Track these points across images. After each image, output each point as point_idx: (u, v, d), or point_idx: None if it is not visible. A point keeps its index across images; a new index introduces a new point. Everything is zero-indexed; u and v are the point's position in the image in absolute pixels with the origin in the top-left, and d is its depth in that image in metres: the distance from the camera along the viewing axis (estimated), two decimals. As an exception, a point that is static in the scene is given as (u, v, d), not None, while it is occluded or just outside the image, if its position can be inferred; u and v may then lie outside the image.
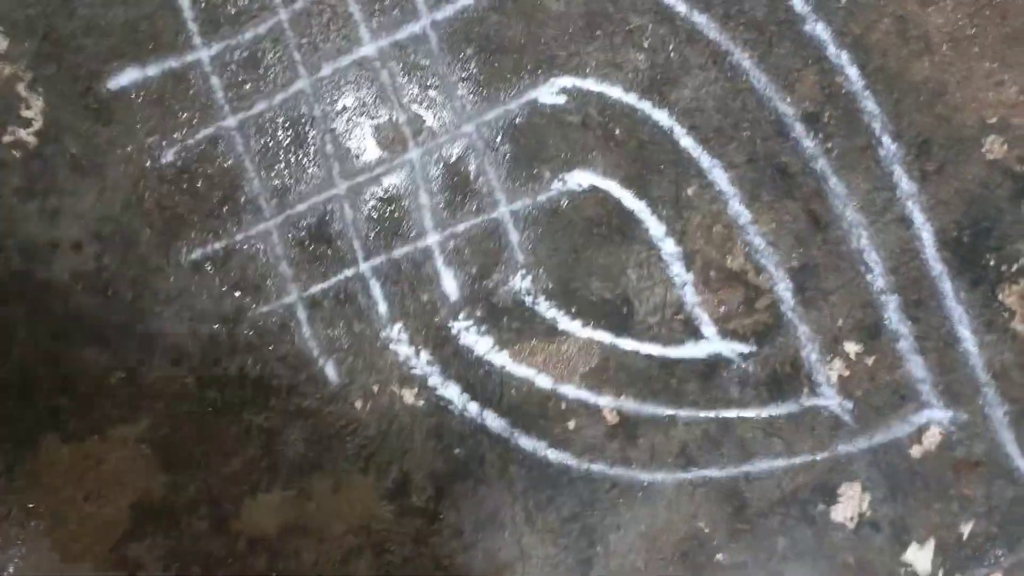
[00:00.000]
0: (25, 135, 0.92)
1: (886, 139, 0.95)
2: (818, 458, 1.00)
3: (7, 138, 0.92)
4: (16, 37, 0.91)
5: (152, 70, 0.93)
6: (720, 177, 0.98)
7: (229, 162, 0.95)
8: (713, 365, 1.01)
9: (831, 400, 1.00)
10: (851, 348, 0.99)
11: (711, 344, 1.00)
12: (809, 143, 0.98)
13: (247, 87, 0.94)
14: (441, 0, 0.95)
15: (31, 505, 0.96)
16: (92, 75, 0.92)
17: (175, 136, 0.94)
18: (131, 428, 0.97)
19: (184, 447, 0.97)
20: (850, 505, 0.97)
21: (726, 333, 1.00)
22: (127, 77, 0.93)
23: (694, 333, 1.00)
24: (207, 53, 0.93)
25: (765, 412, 1.01)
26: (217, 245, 0.95)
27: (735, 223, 0.99)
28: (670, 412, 1.00)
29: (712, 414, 1.01)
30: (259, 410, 0.97)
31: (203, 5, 0.92)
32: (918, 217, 0.95)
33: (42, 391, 0.96)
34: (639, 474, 1.00)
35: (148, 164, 0.94)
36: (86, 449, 0.97)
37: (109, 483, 0.97)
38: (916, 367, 0.96)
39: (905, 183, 0.95)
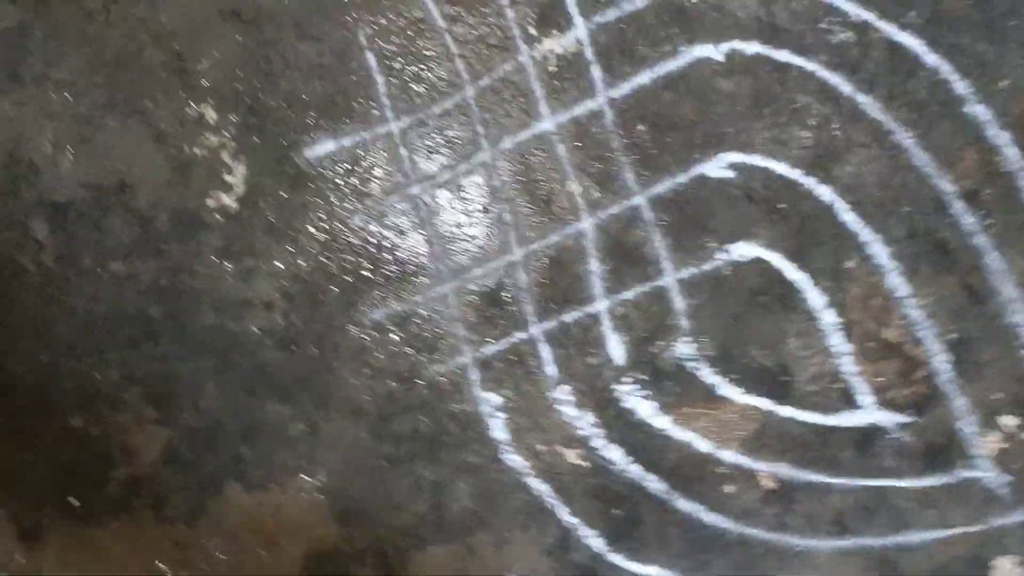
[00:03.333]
0: (227, 200, 0.98)
1: (1049, 219, 0.98)
2: (972, 530, 1.02)
3: (211, 202, 0.98)
4: (224, 109, 0.98)
5: (346, 140, 0.99)
6: (880, 251, 1.02)
7: (412, 227, 1.00)
8: (869, 434, 1.03)
9: (987, 473, 1.01)
10: (1008, 422, 1.00)
11: (868, 414, 1.03)
12: (968, 219, 1.01)
13: (432, 157, 0.99)
14: (617, 78, 1.00)
15: (211, 550, 1.01)
16: (291, 144, 0.99)
17: (364, 202, 0.99)
18: (309, 479, 1.02)
19: (357, 499, 1.02)
20: (1005, 579, 0.99)
21: (883, 403, 1.03)
22: (323, 147, 0.99)
23: (851, 402, 1.03)
24: (397, 126, 0.99)
25: (920, 483, 1.03)
26: (397, 306, 1.00)
27: (893, 296, 1.02)
28: (826, 479, 1.03)
29: (867, 483, 1.03)
30: (429, 465, 1.01)
31: (396, 81, 0.98)
32: (1082, 296, 0.98)
33: (227, 440, 1.01)
34: (794, 540, 1.03)
35: (338, 229, 0.99)
36: (265, 498, 1.02)
37: (285, 532, 1.01)
38: (1081, 445, 0.97)
39: (1069, 263, 0.98)
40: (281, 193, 1.00)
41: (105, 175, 0.99)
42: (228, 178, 1.00)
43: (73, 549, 1.02)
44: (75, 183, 0.99)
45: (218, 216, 1.00)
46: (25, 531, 1.02)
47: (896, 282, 1.04)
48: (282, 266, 1.01)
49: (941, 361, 1.04)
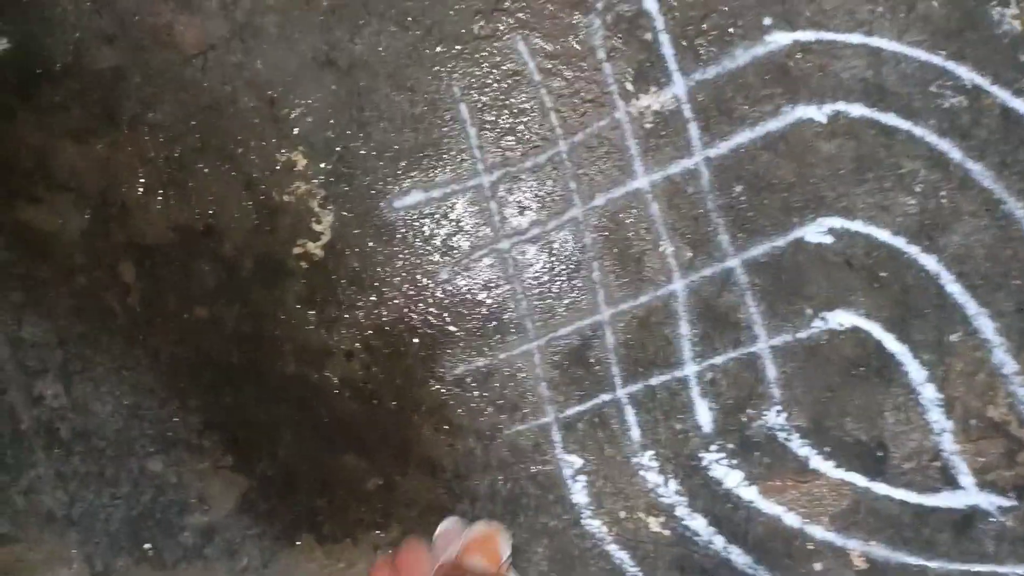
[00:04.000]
0: (313, 247, 0.97)
1: None
2: (1076, 623, 0.96)
3: (297, 249, 0.97)
4: (314, 157, 0.97)
5: (435, 192, 0.98)
6: (986, 325, 0.97)
7: (498, 282, 0.98)
8: (969, 517, 0.98)
9: (1095, 564, 0.95)
10: (1120, 512, 0.94)
11: (968, 495, 0.98)
12: (1081, 296, 0.96)
13: (522, 212, 0.97)
14: (715, 137, 0.97)
15: (282, 603, 0.99)
16: (379, 194, 0.97)
17: (450, 255, 0.97)
18: (384, 535, 0.99)
19: (431, 558, 0.99)
20: None
21: (984, 485, 0.98)
22: (411, 198, 0.97)
23: (951, 482, 0.98)
24: (488, 179, 0.97)
25: (1021, 570, 0.97)
26: (480, 363, 0.98)
27: (999, 372, 0.97)
28: (922, 562, 0.98)
29: (965, 568, 0.98)
30: (507, 526, 0.98)
31: (489, 135, 0.96)
32: None
33: (302, 491, 1.00)
34: (885, 624, 0.98)
35: (422, 281, 0.98)
36: (338, 552, 1.00)
37: (357, 587, 0.99)
38: None
39: None
40: (368, 243, 0.99)
41: (194, 219, 0.99)
42: (315, 226, 0.99)
43: (144, 595, 1.01)
44: (164, 227, 0.99)
45: (303, 264, 0.99)
46: (98, 574, 1.01)
47: (1002, 358, 0.99)
48: (364, 317, 1.00)
49: (1048, 443, 0.98)
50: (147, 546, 1.01)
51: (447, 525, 0.77)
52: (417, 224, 1.00)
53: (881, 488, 1.00)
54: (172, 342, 1.00)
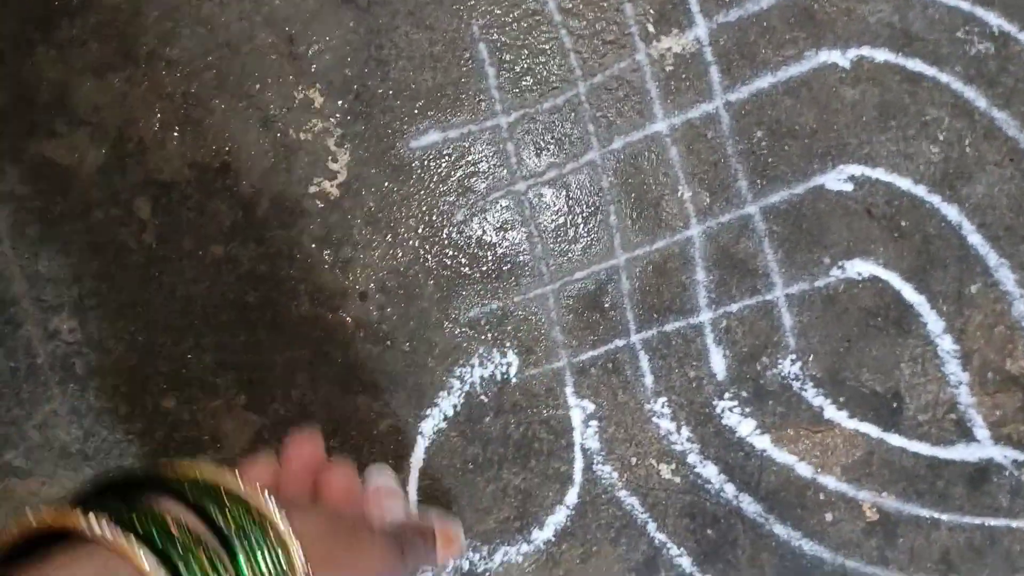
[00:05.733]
0: (329, 187, 0.97)
1: None
2: (1089, 578, 0.95)
3: (313, 188, 0.97)
4: (331, 95, 0.96)
5: (453, 133, 0.97)
6: (1007, 277, 0.96)
7: (514, 225, 0.97)
8: (984, 470, 0.97)
9: (1110, 519, 0.95)
10: None
11: (983, 448, 0.97)
12: (1106, 249, 0.95)
13: (540, 154, 0.96)
14: (736, 82, 0.96)
15: (293, 541, 0.99)
16: (396, 134, 0.97)
17: (467, 197, 0.97)
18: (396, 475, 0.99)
19: (442, 501, 0.99)
20: None
21: (1000, 438, 0.97)
22: (429, 138, 0.97)
23: (966, 435, 0.97)
24: (506, 120, 0.96)
25: (1036, 524, 0.96)
26: (495, 305, 0.98)
27: (1019, 325, 0.96)
28: (934, 515, 0.98)
29: (979, 521, 0.97)
30: (518, 471, 0.99)
31: (507, 75, 0.95)
32: None
33: (315, 432, 0.99)
34: (896, 575, 0.97)
35: (438, 222, 0.97)
36: (350, 492, 1.00)
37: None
38: None
39: None
40: (384, 183, 0.99)
41: (211, 157, 0.98)
42: (332, 165, 0.98)
43: (157, 530, 1.02)
44: (181, 163, 0.98)
45: (319, 203, 0.99)
46: (112, 509, 1.02)
47: (1022, 311, 0.98)
48: (380, 258, 0.99)
49: (1067, 397, 0.98)
50: (160, 482, 1.02)
51: (386, 481, 0.60)
52: (434, 164, 1.00)
53: (895, 440, 0.99)
54: (187, 280, 1.00)
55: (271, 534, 0.41)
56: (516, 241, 1.00)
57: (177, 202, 1.00)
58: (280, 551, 0.40)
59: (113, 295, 1.01)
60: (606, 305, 1.00)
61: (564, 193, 1.00)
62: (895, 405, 0.99)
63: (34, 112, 1.00)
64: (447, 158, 1.00)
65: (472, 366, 1.01)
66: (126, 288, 1.01)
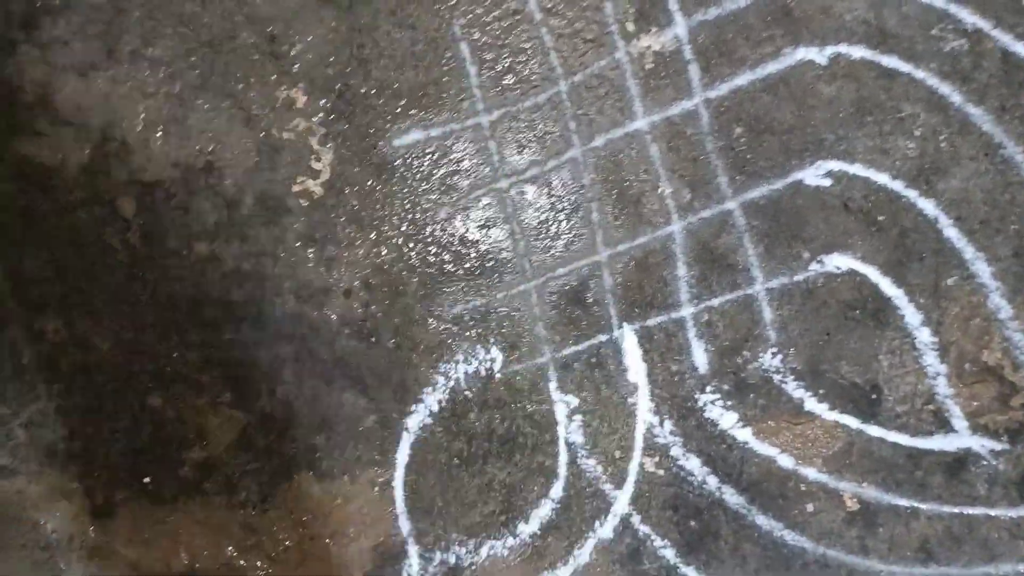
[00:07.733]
0: (313, 185, 0.98)
1: None
2: (1065, 566, 0.97)
3: (296, 187, 0.98)
4: (314, 94, 0.97)
5: (435, 131, 0.98)
6: (983, 269, 0.98)
7: (497, 222, 0.98)
8: (961, 460, 0.99)
9: (1085, 507, 0.96)
10: (1112, 455, 0.95)
11: (961, 438, 0.99)
12: (1079, 241, 0.96)
13: (521, 152, 0.97)
14: (715, 79, 0.97)
15: (279, 537, 1.00)
16: (379, 132, 0.98)
17: (449, 195, 0.98)
18: (380, 472, 1.00)
19: (428, 495, 1.01)
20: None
21: (977, 428, 0.99)
22: (411, 137, 0.98)
23: (944, 425, 0.99)
24: (488, 118, 0.97)
25: (1013, 512, 0.99)
26: (478, 302, 0.99)
27: (995, 317, 0.98)
28: (913, 504, 0.99)
29: (957, 510, 0.99)
30: (503, 465, 1.00)
31: (489, 74, 0.96)
32: None
33: (301, 428, 1.01)
34: (876, 564, 1.00)
35: (421, 220, 0.98)
36: (336, 489, 1.02)
37: (354, 523, 1.00)
38: None
39: None
40: (367, 181, 1.00)
41: (194, 156, 0.99)
42: (315, 164, 0.99)
43: (144, 527, 1.03)
44: (165, 163, 0.99)
45: (302, 202, 0.99)
46: (98, 507, 1.03)
47: (998, 303, 1.00)
48: (364, 256, 1.00)
49: (1042, 388, 0.99)
50: (146, 480, 1.03)
51: None
52: (416, 163, 1.00)
53: (874, 430, 1.01)
54: (172, 278, 1.01)
55: None
56: (499, 238, 1.01)
57: (161, 201, 1.01)
58: None
59: (98, 294, 1.01)
60: (588, 301, 1.01)
61: (546, 190, 1.01)
62: (874, 397, 1.01)
63: (17, 112, 1.00)
64: (430, 156, 1.01)
65: (456, 362, 1.02)
66: (111, 287, 1.02)
